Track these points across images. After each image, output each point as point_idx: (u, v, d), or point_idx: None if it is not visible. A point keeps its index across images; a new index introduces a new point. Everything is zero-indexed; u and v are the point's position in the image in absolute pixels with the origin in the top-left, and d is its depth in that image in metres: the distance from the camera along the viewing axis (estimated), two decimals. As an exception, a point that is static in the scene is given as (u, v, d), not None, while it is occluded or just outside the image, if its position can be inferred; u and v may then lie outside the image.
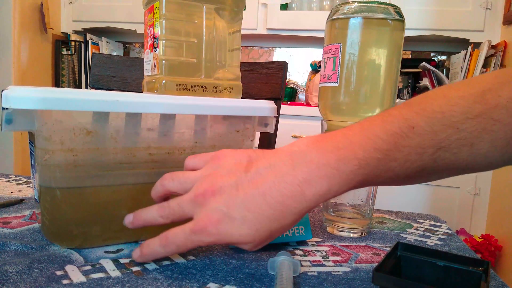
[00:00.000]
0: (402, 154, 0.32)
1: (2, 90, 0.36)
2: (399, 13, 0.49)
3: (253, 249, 0.35)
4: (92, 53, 1.02)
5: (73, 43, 2.26)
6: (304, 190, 0.32)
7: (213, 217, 0.33)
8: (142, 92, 0.51)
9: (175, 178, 0.37)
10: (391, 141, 0.31)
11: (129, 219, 0.39)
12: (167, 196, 0.39)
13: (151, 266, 0.38)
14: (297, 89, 2.21)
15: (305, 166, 0.32)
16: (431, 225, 0.58)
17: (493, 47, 1.74)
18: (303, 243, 0.47)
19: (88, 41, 2.22)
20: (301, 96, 2.25)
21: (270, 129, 0.51)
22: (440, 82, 1.83)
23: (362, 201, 0.52)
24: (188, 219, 0.35)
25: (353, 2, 0.49)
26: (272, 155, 0.35)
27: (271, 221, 0.33)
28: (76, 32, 2.31)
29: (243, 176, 0.34)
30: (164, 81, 0.48)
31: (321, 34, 1.93)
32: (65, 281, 0.34)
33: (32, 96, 0.35)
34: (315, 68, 2.07)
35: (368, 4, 0.48)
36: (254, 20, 2.02)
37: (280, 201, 0.32)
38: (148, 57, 0.52)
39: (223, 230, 0.33)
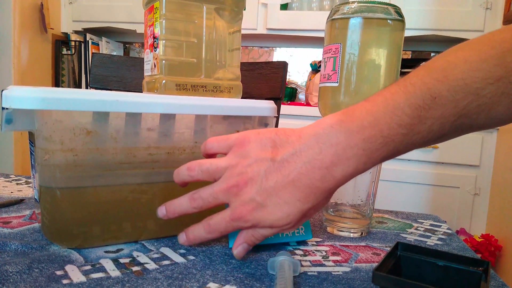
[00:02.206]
0: (425, 126, 0.32)
1: (2, 90, 0.36)
2: (399, 13, 0.49)
3: (292, 229, 0.37)
4: (92, 53, 1.01)
5: (73, 43, 2.26)
6: (332, 172, 0.33)
7: (248, 207, 0.35)
8: (142, 92, 0.51)
9: (203, 168, 0.38)
10: (415, 115, 0.32)
11: (162, 212, 0.40)
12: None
13: (151, 266, 0.38)
14: (297, 89, 2.21)
15: (331, 149, 0.33)
16: (431, 225, 0.58)
17: (493, 47, 1.74)
18: (303, 243, 0.47)
19: (88, 41, 2.22)
20: (301, 96, 2.25)
21: (270, 129, 0.51)
22: (440, 82, 1.83)
23: (362, 201, 0.52)
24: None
25: (353, 2, 0.49)
26: (296, 140, 0.35)
27: (303, 203, 0.34)
28: (76, 32, 2.30)
29: (271, 164, 0.35)
30: (164, 81, 0.48)
31: (321, 34, 1.93)
32: (65, 281, 0.34)
33: (32, 96, 0.35)
34: (315, 68, 2.07)
35: (368, 4, 0.48)
36: (254, 20, 2.02)
37: (310, 185, 0.33)
38: (148, 57, 0.52)
39: (258, 216, 0.35)
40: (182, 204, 0.39)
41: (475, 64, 0.31)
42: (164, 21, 0.48)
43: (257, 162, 0.36)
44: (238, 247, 0.39)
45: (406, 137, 0.32)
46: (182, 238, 0.40)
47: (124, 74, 0.98)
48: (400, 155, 0.34)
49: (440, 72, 0.32)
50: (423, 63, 0.34)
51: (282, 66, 0.88)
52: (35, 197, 0.44)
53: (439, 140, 0.33)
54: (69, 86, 2.28)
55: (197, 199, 0.38)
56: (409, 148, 0.33)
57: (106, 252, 0.41)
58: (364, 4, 0.48)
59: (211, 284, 0.35)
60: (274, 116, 0.50)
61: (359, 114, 0.33)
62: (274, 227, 0.36)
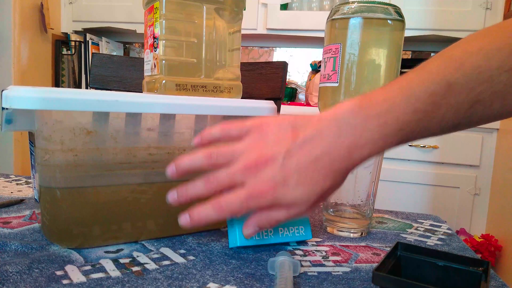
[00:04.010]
0: (440, 113, 0.33)
1: (2, 90, 0.36)
2: (399, 13, 0.49)
3: (307, 212, 0.37)
4: (92, 53, 1.01)
5: (73, 43, 2.26)
6: (351, 154, 0.34)
7: (269, 184, 0.35)
8: (142, 92, 0.51)
9: (223, 154, 0.38)
10: (430, 102, 0.32)
11: (173, 197, 0.39)
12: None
13: (151, 266, 0.38)
14: (297, 89, 2.21)
15: (350, 133, 0.34)
16: (431, 225, 0.58)
17: (493, 47, 1.74)
18: (303, 243, 0.47)
19: (88, 41, 2.22)
20: (301, 96, 2.25)
21: (270, 129, 0.51)
22: (440, 82, 1.83)
23: (362, 201, 0.52)
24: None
25: (353, 2, 0.49)
26: (317, 122, 0.36)
27: (324, 182, 0.35)
28: (76, 32, 2.30)
29: (292, 145, 0.35)
30: (164, 81, 0.48)
31: (321, 34, 1.93)
32: (65, 281, 0.34)
33: (32, 96, 0.35)
34: (315, 68, 2.06)
35: (368, 4, 0.48)
36: (254, 20, 2.02)
37: (330, 165, 0.34)
38: (148, 57, 0.52)
39: (278, 194, 0.35)
40: (195, 186, 0.38)
41: (492, 52, 0.32)
42: (164, 21, 0.48)
43: (277, 143, 0.36)
44: (250, 228, 0.38)
45: (420, 122, 0.33)
46: (184, 219, 0.38)
47: (124, 74, 0.97)
48: (415, 140, 0.35)
49: (457, 61, 0.33)
50: (440, 52, 0.35)
51: (282, 66, 0.88)
52: (35, 197, 0.44)
53: (453, 128, 0.34)
54: (69, 86, 2.28)
55: (213, 182, 0.37)
56: (424, 134, 0.34)
57: (106, 252, 0.41)
58: (364, 4, 0.48)
59: (211, 284, 0.35)
60: (274, 116, 0.50)
61: (376, 101, 0.34)
62: (292, 208, 0.36)
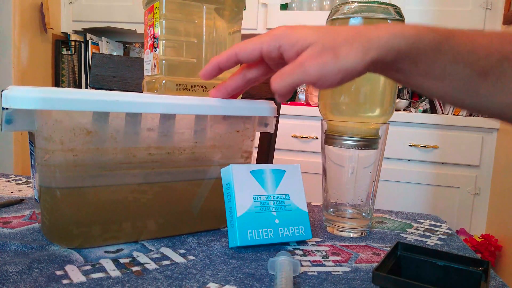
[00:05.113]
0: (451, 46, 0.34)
1: (2, 90, 0.36)
2: (399, 13, 0.49)
3: (317, 58, 0.36)
4: (92, 53, 1.01)
5: (73, 43, 2.26)
6: (371, 36, 0.35)
7: (284, 26, 0.38)
8: (142, 92, 0.51)
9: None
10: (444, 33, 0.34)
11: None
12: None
13: (151, 266, 0.38)
14: (297, 89, 2.21)
15: (382, 28, 0.35)
16: (431, 225, 0.58)
17: (493, 47, 1.74)
18: (303, 243, 0.47)
19: (88, 41, 2.22)
20: (301, 96, 2.25)
21: (270, 129, 0.51)
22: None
23: (362, 201, 0.52)
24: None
25: (353, 2, 0.49)
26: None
27: (336, 33, 0.36)
28: (76, 32, 2.30)
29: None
30: (164, 81, 0.48)
31: (321, 34, 1.93)
32: (65, 281, 0.34)
33: (32, 96, 0.35)
34: (315, 68, 2.06)
35: (368, 4, 0.48)
36: (254, 20, 2.02)
37: (351, 35, 0.35)
38: (148, 57, 0.52)
39: (292, 32, 0.37)
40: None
41: None
42: (164, 21, 0.48)
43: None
44: (279, 81, 0.38)
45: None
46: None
47: (124, 74, 0.97)
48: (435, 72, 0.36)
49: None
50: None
51: (282, 66, 0.88)
52: (35, 197, 0.44)
53: (481, 76, 0.35)
54: (69, 86, 2.28)
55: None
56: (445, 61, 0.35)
57: (106, 252, 0.41)
58: (364, 4, 0.48)
59: (211, 284, 0.35)
60: (274, 116, 0.50)
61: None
62: (301, 43, 0.36)
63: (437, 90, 0.37)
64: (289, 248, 0.46)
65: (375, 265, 0.42)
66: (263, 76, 0.43)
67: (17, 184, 0.67)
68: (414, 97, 2.03)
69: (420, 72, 0.36)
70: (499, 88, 0.35)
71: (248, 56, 0.40)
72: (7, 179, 0.70)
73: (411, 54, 0.35)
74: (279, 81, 0.37)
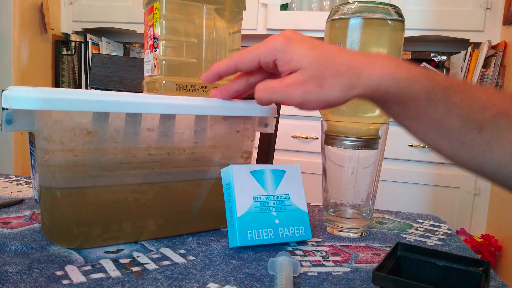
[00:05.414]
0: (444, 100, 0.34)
1: (2, 90, 0.36)
2: (399, 13, 0.49)
3: (311, 80, 0.36)
4: (92, 53, 1.01)
5: (73, 43, 2.26)
6: (362, 71, 0.35)
7: (283, 37, 0.38)
8: (142, 92, 0.51)
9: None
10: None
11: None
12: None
13: (151, 267, 0.38)
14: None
15: (378, 58, 0.35)
16: (431, 225, 0.58)
17: (493, 47, 1.74)
18: (303, 243, 0.47)
19: (88, 41, 2.22)
20: (301, 96, 2.25)
21: (270, 129, 0.51)
22: (440, 82, 1.83)
23: (362, 201, 0.52)
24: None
25: (353, 3, 0.49)
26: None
27: (329, 60, 0.36)
28: (76, 32, 2.30)
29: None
30: (164, 82, 0.48)
31: (321, 34, 1.93)
32: (65, 281, 0.34)
33: (32, 96, 0.35)
34: (315, 68, 2.06)
35: (368, 5, 0.48)
36: (254, 20, 2.02)
37: (343, 66, 0.35)
38: (148, 57, 0.52)
39: (289, 48, 0.37)
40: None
41: None
42: (164, 21, 0.48)
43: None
44: (262, 91, 0.40)
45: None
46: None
47: (124, 74, 0.98)
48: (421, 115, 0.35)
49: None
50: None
51: (282, 66, 0.88)
52: (35, 198, 0.44)
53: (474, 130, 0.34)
54: (69, 87, 2.28)
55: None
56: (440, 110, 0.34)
57: (106, 252, 0.41)
58: (364, 5, 0.48)
59: (211, 285, 0.35)
60: (274, 117, 0.50)
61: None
62: (295, 63, 0.37)
63: (427, 138, 0.37)
64: (289, 248, 0.46)
65: (375, 265, 0.42)
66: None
67: (17, 184, 0.67)
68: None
69: (409, 116, 0.36)
70: (495, 144, 0.33)
71: (247, 66, 0.40)
72: (7, 180, 0.70)
73: (400, 98, 0.34)
74: (264, 94, 0.39)
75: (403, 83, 0.34)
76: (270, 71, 0.41)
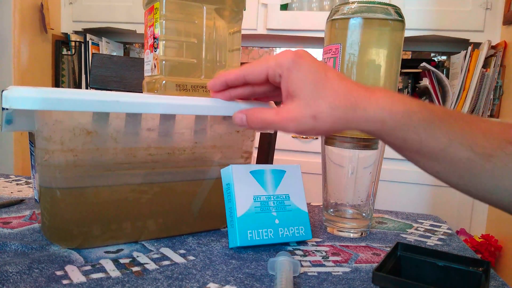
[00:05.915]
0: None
1: (2, 90, 0.36)
2: (399, 13, 0.49)
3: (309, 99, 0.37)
4: (92, 53, 1.01)
5: (73, 43, 2.26)
6: (359, 105, 0.35)
7: (293, 55, 0.38)
8: (142, 92, 0.51)
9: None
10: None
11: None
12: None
13: (151, 267, 0.38)
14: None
15: (378, 91, 0.36)
16: (431, 225, 0.58)
17: (493, 47, 1.74)
18: (303, 243, 0.47)
19: (88, 41, 2.22)
20: (301, 96, 2.25)
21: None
22: (440, 82, 1.83)
23: (362, 201, 0.52)
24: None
25: (353, 3, 0.49)
26: None
27: (327, 88, 0.36)
28: (76, 32, 2.30)
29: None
30: (164, 82, 0.48)
31: (321, 34, 1.93)
32: (65, 281, 0.34)
33: (32, 96, 0.35)
34: (315, 68, 2.06)
35: (368, 5, 0.48)
36: (254, 20, 2.02)
37: (340, 98, 0.36)
38: (148, 57, 0.52)
39: (294, 68, 0.37)
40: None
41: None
42: (164, 21, 0.48)
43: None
44: (239, 115, 0.41)
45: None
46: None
47: (124, 74, 0.98)
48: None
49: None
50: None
51: (282, 66, 0.88)
52: (35, 198, 0.44)
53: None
54: (69, 87, 2.28)
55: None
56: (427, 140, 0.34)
57: (106, 252, 0.41)
58: (364, 5, 0.48)
59: (211, 285, 0.35)
60: (274, 116, 0.50)
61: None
62: (293, 89, 0.37)
63: (432, 170, 0.36)
64: (289, 248, 0.46)
65: (375, 265, 0.42)
66: (271, 92, 0.43)
67: (17, 184, 0.67)
68: (415, 97, 2.02)
69: (410, 149, 0.36)
70: (503, 171, 0.33)
71: (255, 79, 0.40)
72: (7, 179, 0.70)
73: (398, 131, 0.34)
74: (258, 125, 0.40)
75: (399, 115, 0.34)
76: (277, 85, 0.41)
